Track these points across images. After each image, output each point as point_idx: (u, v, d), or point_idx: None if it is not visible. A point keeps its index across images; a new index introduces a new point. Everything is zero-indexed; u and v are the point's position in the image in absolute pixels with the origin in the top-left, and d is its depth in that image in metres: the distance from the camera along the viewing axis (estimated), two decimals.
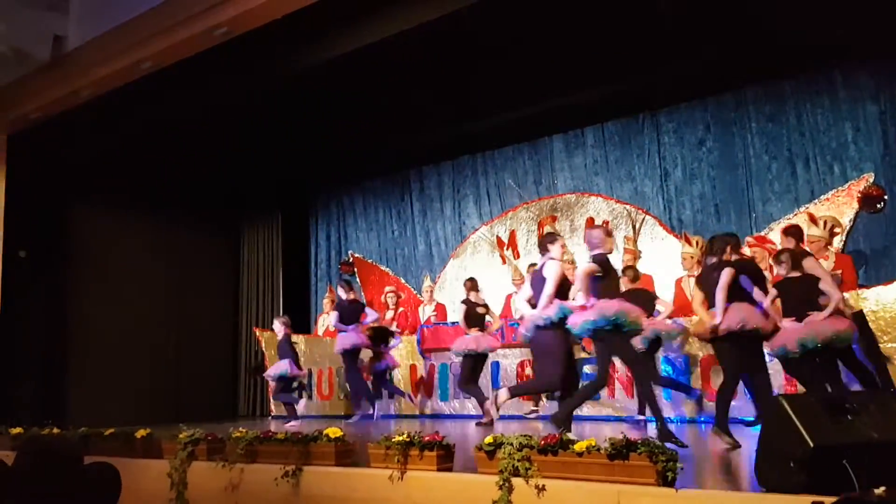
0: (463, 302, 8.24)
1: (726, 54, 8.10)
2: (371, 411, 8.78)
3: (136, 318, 10.42)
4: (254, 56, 7.84)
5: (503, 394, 5.96)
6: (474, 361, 7.95)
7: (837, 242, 7.52)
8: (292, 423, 8.35)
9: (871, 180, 7.68)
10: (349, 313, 8.89)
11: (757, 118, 8.65)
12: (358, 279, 11.72)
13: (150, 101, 8.76)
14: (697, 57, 8.14)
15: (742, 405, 6.87)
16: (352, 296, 9.08)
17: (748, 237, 7.89)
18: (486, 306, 8.18)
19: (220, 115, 9.51)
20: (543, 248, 6.02)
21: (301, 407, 9.06)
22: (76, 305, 10.07)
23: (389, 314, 10.37)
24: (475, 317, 8.04)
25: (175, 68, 7.91)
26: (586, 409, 7.87)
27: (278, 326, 9.18)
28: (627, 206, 9.27)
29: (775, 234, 7.95)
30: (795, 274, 5.72)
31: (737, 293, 5.28)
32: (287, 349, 8.99)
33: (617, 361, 6.61)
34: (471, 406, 8.78)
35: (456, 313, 10.11)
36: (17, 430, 6.80)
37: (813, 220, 7.36)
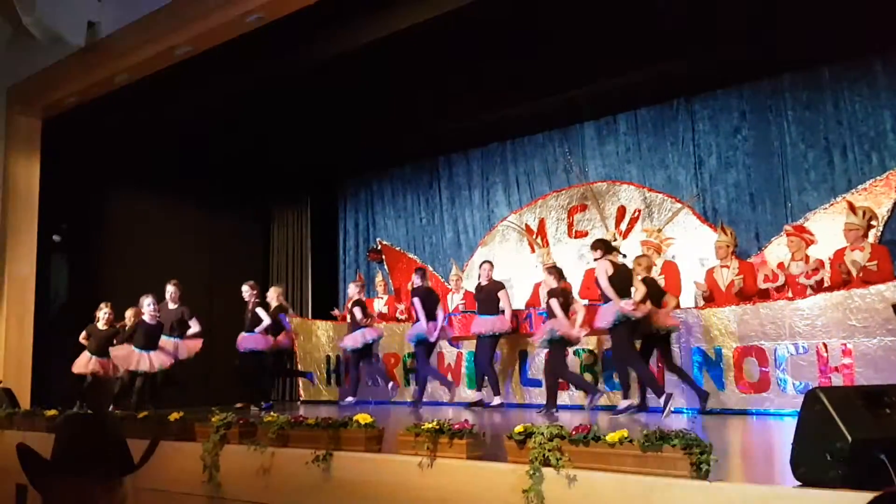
0: (278, 308, 9.68)
1: (763, 40, 7.96)
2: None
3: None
4: (286, 42, 7.86)
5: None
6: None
7: (872, 235, 7.35)
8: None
9: None
10: (431, 302, 8.91)
11: (794, 106, 8.48)
12: (386, 266, 11.74)
13: (183, 86, 8.83)
14: (733, 43, 8.02)
15: (774, 398, 6.83)
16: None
17: (786, 226, 7.75)
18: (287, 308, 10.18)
19: (252, 101, 9.58)
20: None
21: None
22: (109, 289, 10.19)
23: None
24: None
25: (208, 54, 7.95)
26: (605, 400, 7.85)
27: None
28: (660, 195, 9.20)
29: (812, 224, 7.84)
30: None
31: None
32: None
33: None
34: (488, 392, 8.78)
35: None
36: (52, 412, 6.90)
37: (852, 208, 7.21)
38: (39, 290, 9.54)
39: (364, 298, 9.87)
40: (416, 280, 8.96)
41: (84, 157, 10.04)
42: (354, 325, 9.34)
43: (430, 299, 8.80)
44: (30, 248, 9.53)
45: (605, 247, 7.28)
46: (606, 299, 7.05)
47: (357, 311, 9.32)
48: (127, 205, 10.79)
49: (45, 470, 1.81)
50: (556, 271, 7.89)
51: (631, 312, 6.86)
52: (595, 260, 7.27)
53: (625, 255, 7.57)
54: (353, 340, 9.26)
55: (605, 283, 6.98)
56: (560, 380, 7.71)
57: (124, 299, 9.58)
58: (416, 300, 8.64)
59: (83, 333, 8.96)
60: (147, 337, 8.56)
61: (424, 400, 8.84)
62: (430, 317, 8.63)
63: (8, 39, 8.85)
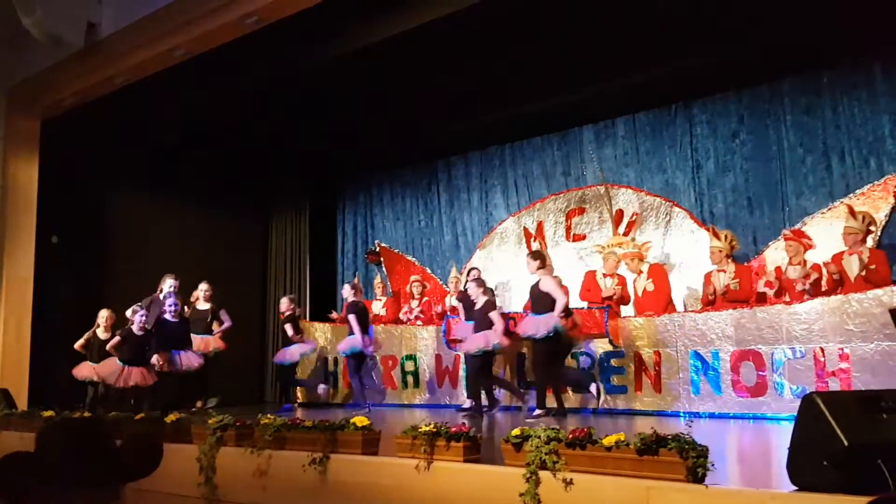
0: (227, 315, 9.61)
1: (762, 44, 7.97)
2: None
3: None
4: (284, 45, 7.87)
5: None
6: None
7: (871, 240, 7.35)
8: None
9: None
10: (365, 316, 9.09)
11: (792, 110, 8.48)
12: (384, 269, 11.74)
13: (182, 88, 8.83)
14: (732, 46, 8.03)
15: (771, 402, 6.83)
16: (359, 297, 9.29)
17: (785, 230, 7.76)
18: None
19: (251, 102, 9.58)
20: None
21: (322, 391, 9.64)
22: (108, 291, 10.19)
23: (415, 304, 10.38)
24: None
25: (207, 56, 7.96)
26: (621, 403, 7.83)
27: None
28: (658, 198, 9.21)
29: (809, 228, 7.84)
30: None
31: None
32: None
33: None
34: (496, 396, 8.77)
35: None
36: (49, 413, 6.89)
37: (852, 212, 7.23)
38: (38, 291, 9.52)
39: (298, 314, 9.94)
40: (350, 295, 9.05)
41: (84, 158, 10.04)
42: (287, 341, 9.64)
43: (364, 314, 9.06)
44: (28, 249, 9.50)
45: (543, 260, 7.49)
46: (538, 310, 7.23)
47: (288, 328, 9.57)
48: (126, 205, 10.78)
49: (28, 484, 1.70)
50: (482, 283, 8.11)
51: (563, 326, 7.14)
52: (537, 271, 7.40)
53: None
54: (291, 355, 9.58)
55: (563, 297, 7.16)
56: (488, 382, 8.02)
57: (124, 300, 9.58)
58: (353, 317, 8.81)
59: (116, 339, 8.43)
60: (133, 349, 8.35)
61: (418, 403, 9.30)
62: (364, 331, 8.88)
63: (8, 40, 8.84)
